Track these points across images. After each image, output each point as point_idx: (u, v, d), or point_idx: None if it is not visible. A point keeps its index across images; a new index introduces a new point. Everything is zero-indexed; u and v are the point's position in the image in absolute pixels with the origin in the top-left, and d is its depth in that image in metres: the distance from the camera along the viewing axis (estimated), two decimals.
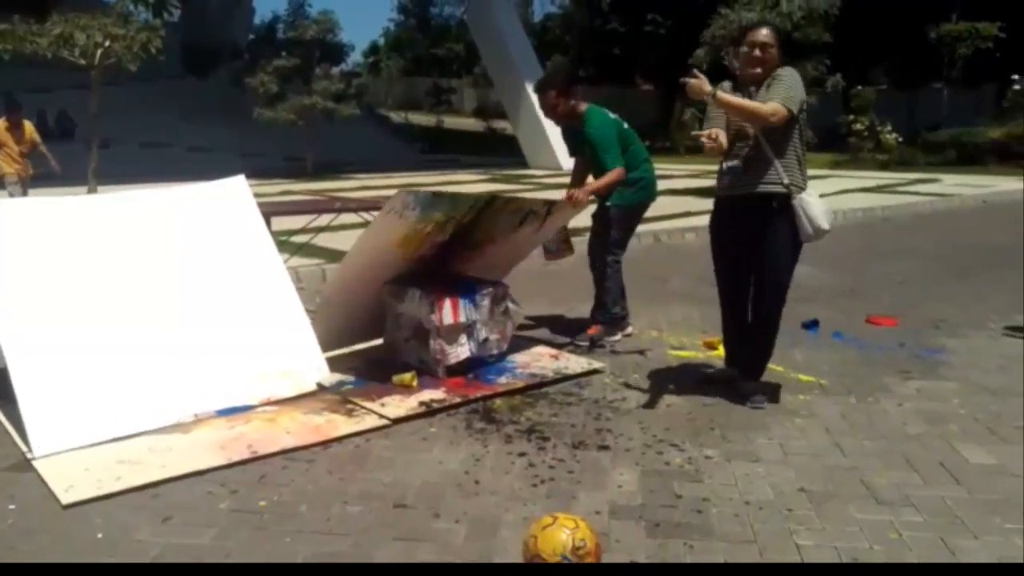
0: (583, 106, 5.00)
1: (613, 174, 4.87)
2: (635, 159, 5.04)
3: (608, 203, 5.02)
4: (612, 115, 5.05)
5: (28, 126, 9.63)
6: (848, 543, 2.73)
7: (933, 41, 21.48)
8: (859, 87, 21.73)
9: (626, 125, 5.09)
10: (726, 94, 3.74)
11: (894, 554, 2.67)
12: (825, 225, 3.86)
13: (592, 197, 4.92)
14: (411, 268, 4.55)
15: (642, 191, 5.10)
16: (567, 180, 5.47)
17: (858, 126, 19.64)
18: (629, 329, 5.26)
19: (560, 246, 5.31)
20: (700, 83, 3.63)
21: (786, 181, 3.80)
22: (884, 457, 3.42)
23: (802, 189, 3.85)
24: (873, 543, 2.73)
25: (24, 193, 9.26)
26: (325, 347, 4.43)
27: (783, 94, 3.67)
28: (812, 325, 5.44)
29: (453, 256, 4.72)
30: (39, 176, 9.87)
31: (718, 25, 13.12)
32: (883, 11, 23.58)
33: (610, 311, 5.08)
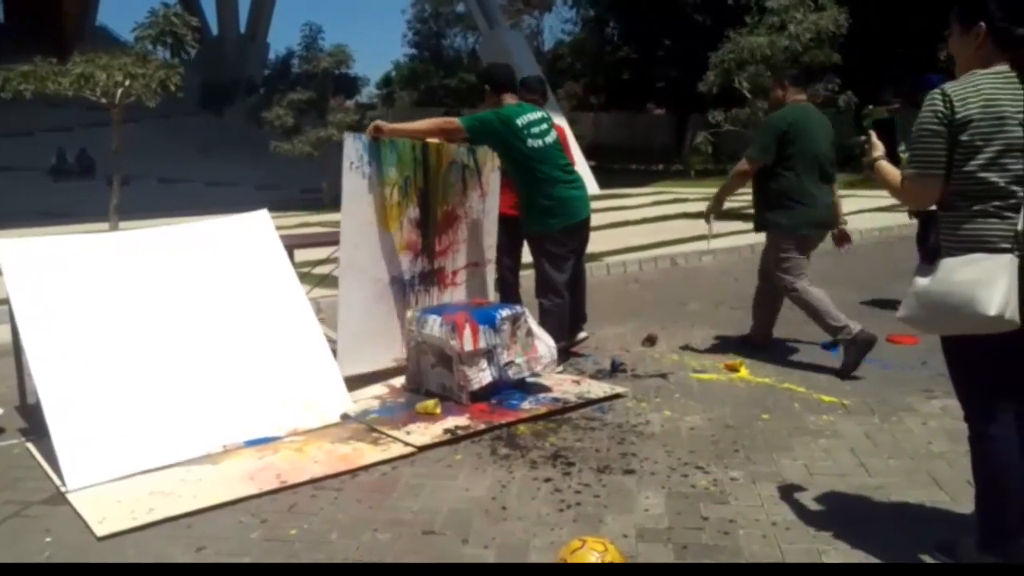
0: (510, 99, 5.06)
1: (441, 120, 5.19)
2: (542, 184, 4.95)
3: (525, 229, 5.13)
4: (533, 126, 4.94)
5: None
6: (878, 562, 2.72)
7: (944, 62, 21.56)
8: (870, 107, 21.72)
9: (538, 142, 4.91)
10: (882, 165, 2.87)
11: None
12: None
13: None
14: (411, 263, 4.98)
15: (549, 216, 4.97)
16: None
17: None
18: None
19: None
20: (873, 147, 2.91)
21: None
22: (910, 476, 3.42)
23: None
24: (903, 562, 2.72)
25: None
26: (350, 356, 4.53)
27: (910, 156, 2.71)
28: (833, 346, 5.43)
29: (437, 244, 5.13)
30: None
31: (727, 49, 13.22)
32: (892, 32, 23.66)
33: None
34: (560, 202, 4.99)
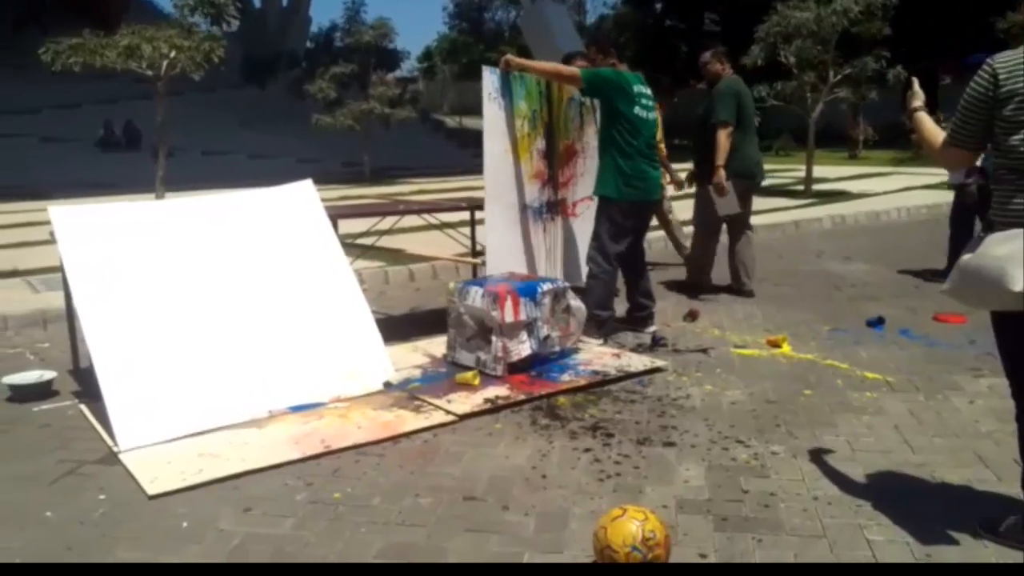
0: (621, 67, 5.24)
1: (563, 66, 5.37)
2: (630, 152, 5.04)
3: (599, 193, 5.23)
4: (643, 97, 5.10)
5: None
6: (921, 539, 2.70)
7: (1000, 33, 20.93)
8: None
9: (643, 112, 5.06)
10: (923, 117, 2.85)
11: (969, 552, 2.64)
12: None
13: None
14: (540, 192, 5.44)
15: (625, 185, 5.05)
16: None
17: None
18: (654, 327, 5.32)
19: None
20: (914, 95, 2.89)
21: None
22: (955, 454, 3.38)
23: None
24: (948, 541, 2.70)
25: None
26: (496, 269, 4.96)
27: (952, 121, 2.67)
28: (878, 323, 5.37)
29: (560, 176, 5.59)
30: None
31: (773, 22, 12.92)
32: (944, 4, 23.00)
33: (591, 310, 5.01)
34: (640, 175, 5.08)
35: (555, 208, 5.59)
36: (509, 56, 5.29)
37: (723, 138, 5.98)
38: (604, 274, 5.11)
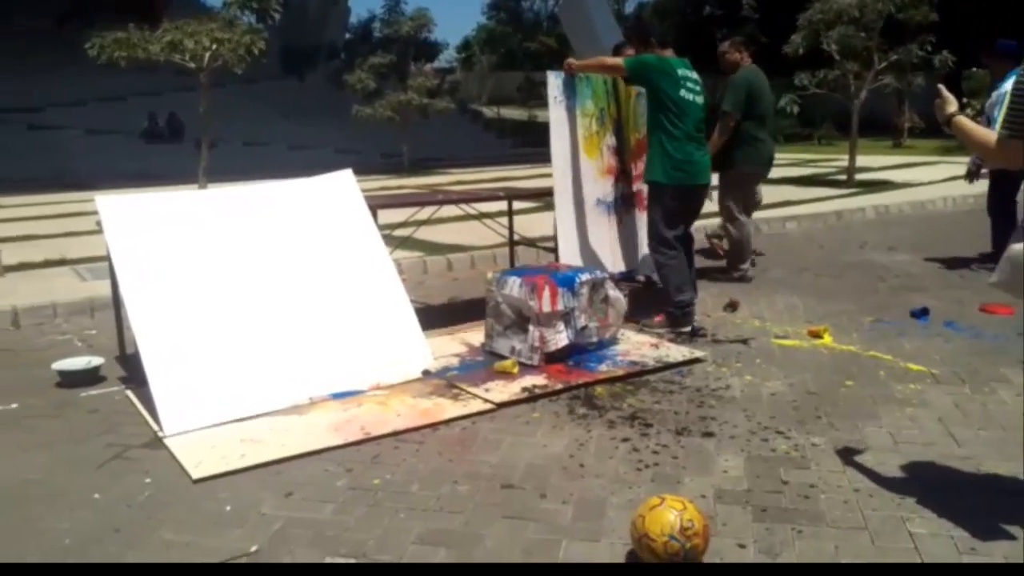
0: (666, 53, 5.22)
1: (607, 58, 5.49)
2: (676, 137, 5.03)
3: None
4: (689, 81, 5.09)
5: None
6: (965, 533, 2.66)
7: None
8: (973, 69, 20.70)
9: (688, 96, 5.05)
10: (962, 121, 2.71)
11: (1016, 547, 2.59)
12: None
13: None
14: (613, 186, 5.63)
15: (673, 169, 5.04)
16: None
17: (968, 111, 18.70)
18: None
19: None
20: (944, 102, 2.76)
21: None
22: (1001, 448, 3.31)
23: None
24: (993, 535, 2.65)
25: None
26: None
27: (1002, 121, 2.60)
28: (922, 314, 5.28)
29: (633, 169, 5.74)
30: None
31: (816, 9, 12.69)
32: None
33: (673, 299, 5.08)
34: (688, 159, 5.06)
35: (629, 201, 5.73)
36: (571, 60, 5.42)
37: (723, 128, 6.18)
38: (671, 259, 5.11)
